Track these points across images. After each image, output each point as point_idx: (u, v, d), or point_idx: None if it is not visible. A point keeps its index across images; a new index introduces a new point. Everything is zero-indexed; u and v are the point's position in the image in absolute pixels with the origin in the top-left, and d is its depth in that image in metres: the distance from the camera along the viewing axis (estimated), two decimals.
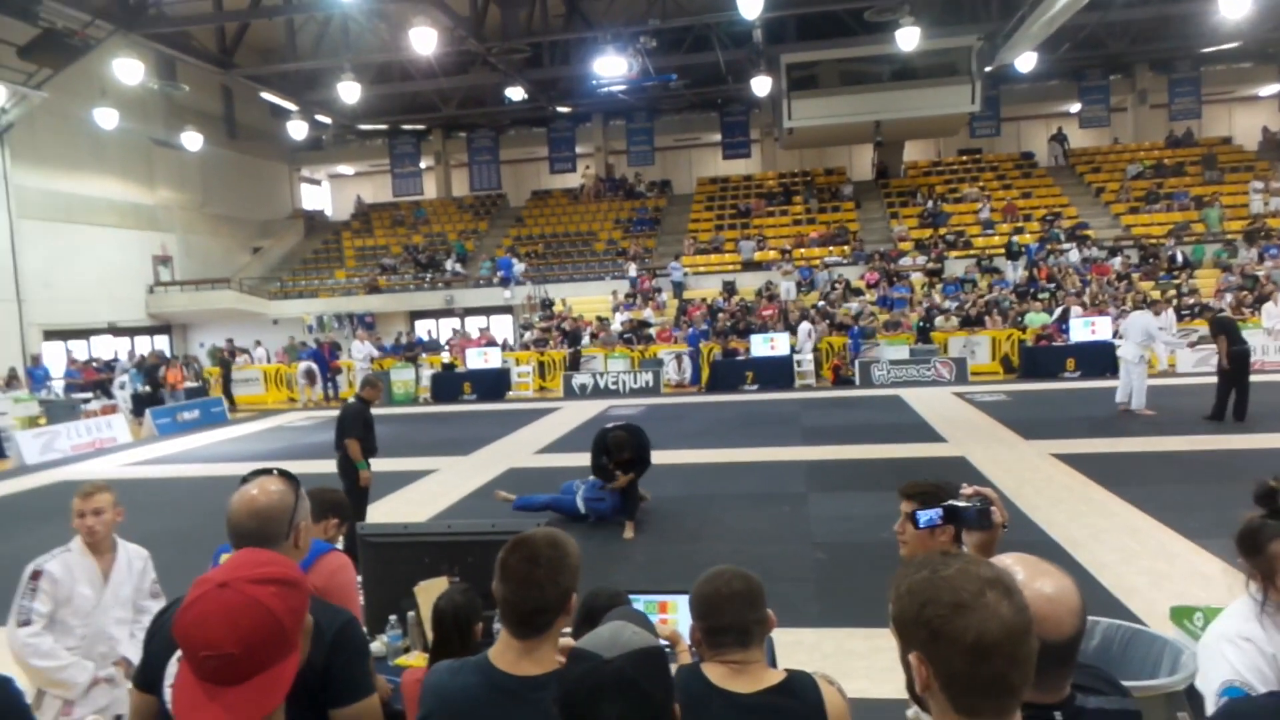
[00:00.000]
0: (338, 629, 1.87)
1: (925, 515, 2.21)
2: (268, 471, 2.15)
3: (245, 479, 2.14)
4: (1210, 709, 2.01)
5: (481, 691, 1.84)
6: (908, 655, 1.23)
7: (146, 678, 1.94)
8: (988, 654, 1.15)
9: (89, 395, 19.06)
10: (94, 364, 21.87)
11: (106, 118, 20.94)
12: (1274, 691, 1.71)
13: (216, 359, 22.73)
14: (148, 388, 19.42)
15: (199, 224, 28.71)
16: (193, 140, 24.41)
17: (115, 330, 24.84)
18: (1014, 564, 1.52)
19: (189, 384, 20.31)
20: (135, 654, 3.27)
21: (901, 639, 1.24)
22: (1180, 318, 18.68)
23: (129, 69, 18.23)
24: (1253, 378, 11.89)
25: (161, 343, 27.01)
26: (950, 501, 2.19)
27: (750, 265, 25.26)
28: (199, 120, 25.86)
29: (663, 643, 1.58)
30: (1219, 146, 28.01)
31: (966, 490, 2.22)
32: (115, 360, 22.63)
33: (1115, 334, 16.89)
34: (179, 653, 1.44)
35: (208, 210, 29.08)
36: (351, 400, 7.87)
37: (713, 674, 1.98)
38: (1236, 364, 11.46)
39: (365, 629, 2.90)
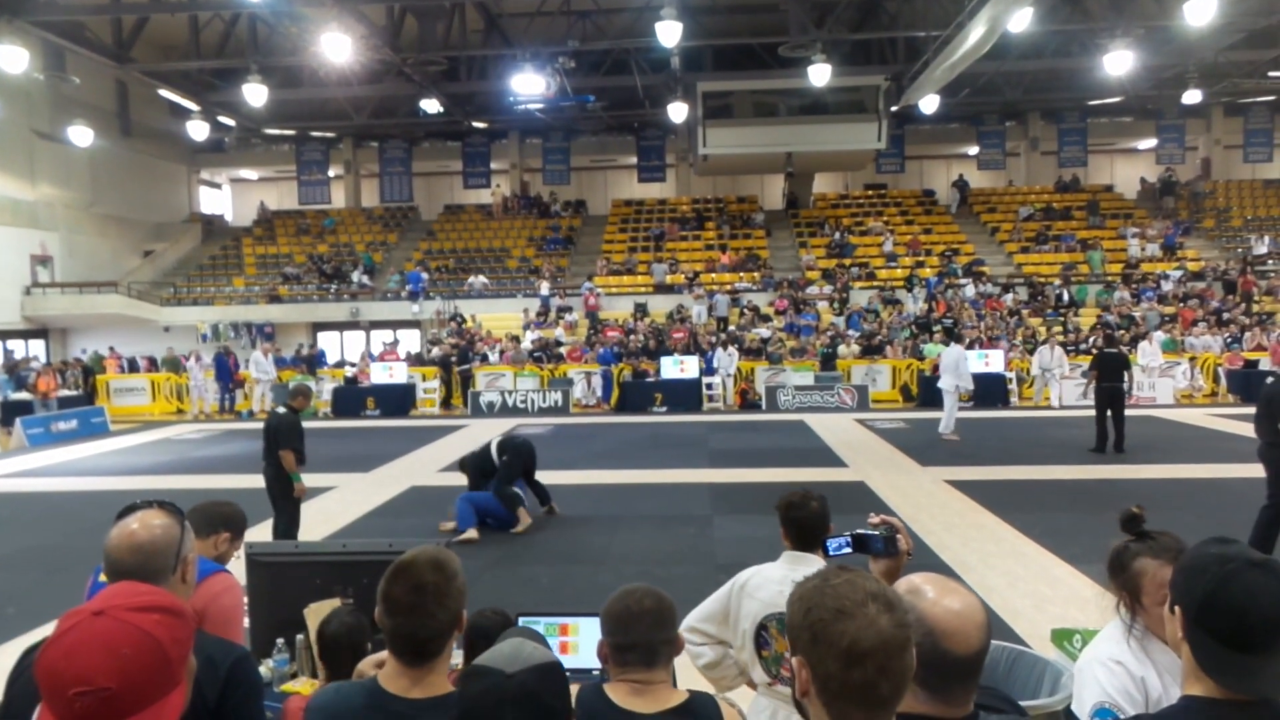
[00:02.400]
0: (232, 664, 1.77)
1: (834, 543, 2.25)
2: (148, 504, 2.00)
3: (123, 512, 1.99)
4: None
5: (369, 714, 1.77)
6: (792, 659, 1.27)
7: None
8: (860, 660, 1.19)
9: None
10: None
11: None
12: (1140, 715, 1.79)
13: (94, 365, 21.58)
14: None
15: (85, 223, 27.14)
16: (82, 135, 23.11)
17: None
18: (923, 582, 1.55)
19: (64, 391, 19.09)
20: None
21: (791, 645, 1.29)
22: (1068, 353, 19.74)
23: (12, 57, 17.18)
24: (1131, 411, 12.66)
25: (37, 347, 25.36)
26: (857, 530, 2.24)
27: (662, 288, 25.51)
28: (89, 114, 24.51)
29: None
30: (1102, 194, 29.93)
31: (874, 519, 2.28)
32: None
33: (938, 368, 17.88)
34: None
35: (96, 209, 27.52)
36: (281, 410, 7.52)
37: (615, 694, 1.97)
38: (1103, 399, 12.22)
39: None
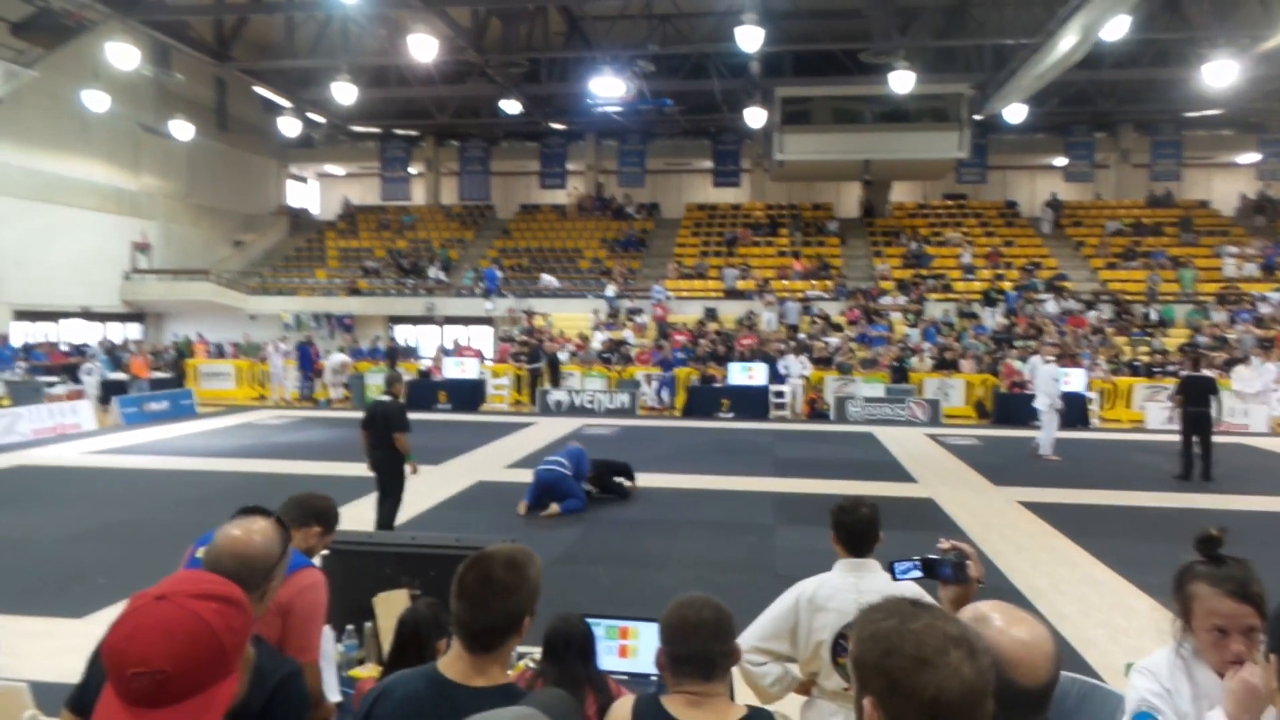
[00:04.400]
0: (281, 678, 1.81)
1: (902, 566, 2.21)
2: (264, 511, 2.06)
3: (236, 515, 2.05)
4: None
5: (425, 695, 1.84)
6: (862, 699, 1.23)
7: (81, 700, 1.84)
8: (944, 713, 1.15)
9: (55, 379, 18.73)
10: (62, 347, 21.50)
11: (96, 100, 20.75)
12: None
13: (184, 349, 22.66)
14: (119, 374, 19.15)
15: (181, 213, 28.43)
16: (182, 129, 24.22)
17: (88, 315, 24.48)
18: (990, 610, 1.53)
19: (156, 374, 20.05)
20: None
21: (859, 681, 1.24)
22: (1152, 375, 18.97)
23: (123, 54, 18.10)
24: (1223, 439, 12.08)
25: (134, 331, 26.66)
26: (927, 555, 2.20)
27: (733, 294, 25.39)
28: (190, 110, 25.69)
29: None
30: (1196, 210, 28.62)
31: (944, 544, 2.23)
32: (85, 345, 22.29)
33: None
34: None
35: (191, 200, 28.82)
36: (385, 398, 8.08)
37: (672, 706, 1.97)
38: (1189, 425, 11.72)
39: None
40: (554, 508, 9.09)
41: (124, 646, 1.27)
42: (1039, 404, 13.68)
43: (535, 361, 20.88)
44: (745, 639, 2.89)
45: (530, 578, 1.89)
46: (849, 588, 2.85)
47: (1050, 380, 13.56)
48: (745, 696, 2.96)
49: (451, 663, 1.86)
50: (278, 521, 2.06)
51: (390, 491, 7.89)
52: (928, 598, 2.65)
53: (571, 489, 9.30)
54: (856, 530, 2.96)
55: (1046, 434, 13.43)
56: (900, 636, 1.20)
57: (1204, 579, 2.03)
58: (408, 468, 7.89)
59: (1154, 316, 22.59)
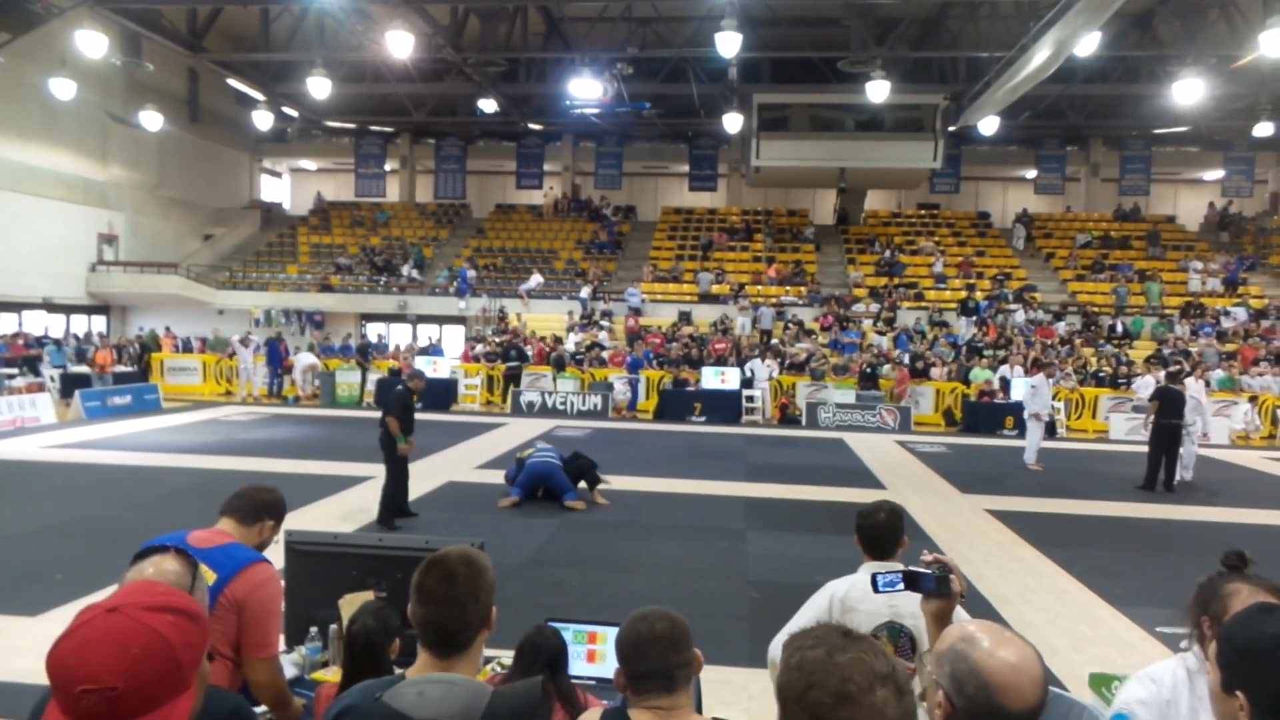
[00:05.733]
0: (224, 715, 1.75)
1: (885, 578, 2.19)
2: (164, 549, 2.01)
3: (140, 555, 2.01)
4: None
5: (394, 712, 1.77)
6: None
7: None
8: None
9: (14, 371, 18.32)
10: (21, 339, 21.02)
11: (63, 88, 20.34)
12: None
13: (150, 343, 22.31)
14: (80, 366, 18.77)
15: (150, 205, 27.95)
16: (152, 120, 23.81)
17: (50, 306, 23.98)
18: (977, 630, 1.49)
19: (120, 367, 19.68)
20: None
21: (780, 710, 1.21)
22: (1117, 386, 19.26)
23: (92, 42, 17.76)
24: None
25: (99, 323, 26.16)
26: (910, 567, 2.19)
27: (707, 298, 25.45)
28: (160, 100, 25.25)
29: None
30: (1163, 224, 29.17)
31: (926, 557, 2.22)
32: (46, 337, 21.82)
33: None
34: None
35: (161, 192, 28.33)
36: (400, 388, 8.95)
37: None
38: (1160, 436, 11.89)
39: (284, 641, 2.79)
40: (579, 504, 9.56)
41: (72, 662, 1.19)
42: (1026, 415, 13.76)
43: (508, 361, 20.77)
44: (780, 641, 2.89)
45: (488, 569, 1.90)
46: None
47: (1029, 390, 13.69)
48: (712, 708, 2.93)
49: (418, 672, 1.81)
50: (183, 556, 2.01)
51: (390, 471, 8.55)
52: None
53: (564, 482, 9.61)
54: (875, 535, 3.06)
55: (1029, 442, 13.54)
56: (825, 670, 1.16)
57: (1241, 579, 2.12)
58: (399, 448, 8.56)
59: (1121, 329, 22.97)
